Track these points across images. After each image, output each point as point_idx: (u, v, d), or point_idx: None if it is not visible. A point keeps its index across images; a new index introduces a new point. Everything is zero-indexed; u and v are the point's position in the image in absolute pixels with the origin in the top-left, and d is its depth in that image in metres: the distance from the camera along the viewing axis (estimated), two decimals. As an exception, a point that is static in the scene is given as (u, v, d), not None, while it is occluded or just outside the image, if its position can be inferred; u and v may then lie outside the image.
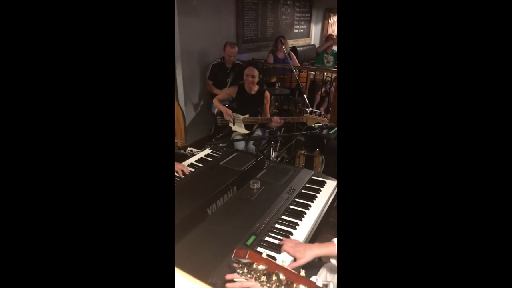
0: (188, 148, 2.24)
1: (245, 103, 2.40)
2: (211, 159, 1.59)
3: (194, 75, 2.96)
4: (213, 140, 2.62)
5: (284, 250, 0.93)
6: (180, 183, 1.32)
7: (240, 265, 0.66)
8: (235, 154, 1.60)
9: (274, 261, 0.64)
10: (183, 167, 1.41)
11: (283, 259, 0.94)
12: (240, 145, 2.33)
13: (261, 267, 0.61)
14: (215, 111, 2.63)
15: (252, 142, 1.61)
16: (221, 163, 1.50)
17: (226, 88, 2.77)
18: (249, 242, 0.97)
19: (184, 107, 2.94)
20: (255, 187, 1.25)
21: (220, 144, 2.56)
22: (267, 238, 1.01)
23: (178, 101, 2.91)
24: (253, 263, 0.63)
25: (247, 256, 0.64)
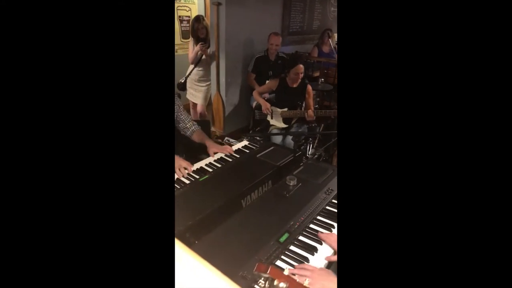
0: (226, 138, 2.26)
1: (284, 97, 2.35)
2: (248, 151, 1.58)
3: (236, 66, 2.97)
4: (250, 132, 2.63)
5: (325, 241, 0.95)
6: (216, 172, 1.33)
7: (261, 280, 0.65)
8: (272, 148, 1.58)
9: (295, 279, 0.62)
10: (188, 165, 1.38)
11: (323, 252, 0.94)
12: (278, 139, 2.30)
13: (282, 285, 0.60)
14: (254, 104, 2.62)
15: (291, 137, 1.57)
16: (257, 155, 1.49)
17: (267, 82, 2.74)
18: (282, 239, 0.95)
19: (225, 98, 2.97)
20: (291, 184, 1.22)
21: (257, 138, 2.57)
22: (301, 237, 0.98)
23: (219, 91, 2.94)
24: (274, 280, 0.62)
25: (268, 272, 0.63)
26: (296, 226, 1.01)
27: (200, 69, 2.86)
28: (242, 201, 1.16)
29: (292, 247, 0.93)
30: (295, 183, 1.22)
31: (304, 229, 1.01)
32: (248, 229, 0.98)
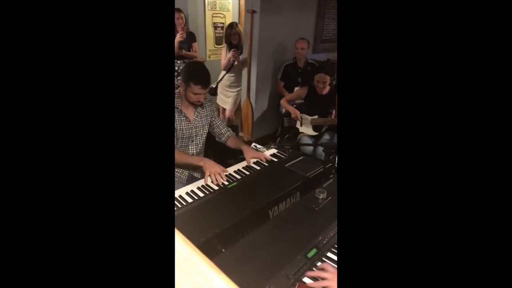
0: (253, 144, 2.27)
1: (314, 104, 2.32)
2: (276, 159, 1.57)
3: (267, 72, 2.98)
4: (278, 140, 2.61)
5: None
6: (244, 180, 1.34)
7: None
8: (301, 157, 1.55)
9: None
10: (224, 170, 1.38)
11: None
12: (307, 148, 2.27)
13: None
14: (283, 111, 2.61)
15: (322, 148, 1.53)
16: (286, 165, 1.47)
17: (296, 89, 2.72)
18: (309, 254, 0.92)
19: (254, 104, 2.99)
20: (320, 197, 1.19)
21: (286, 145, 2.55)
22: (329, 254, 0.95)
23: (249, 97, 2.96)
24: None
25: None
26: (325, 242, 0.98)
27: (231, 75, 2.91)
28: (270, 211, 1.15)
29: (320, 264, 0.91)
30: (325, 197, 1.19)
31: (333, 245, 0.98)
32: (275, 241, 0.96)
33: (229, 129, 1.70)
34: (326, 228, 1.03)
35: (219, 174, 1.33)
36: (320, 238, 0.99)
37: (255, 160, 1.53)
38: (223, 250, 0.94)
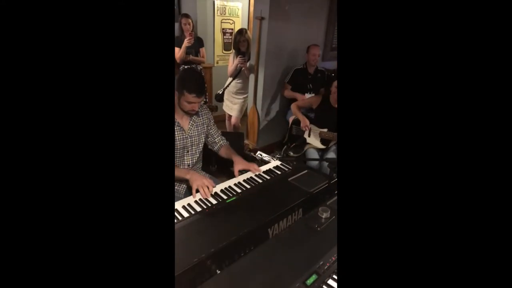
0: (258, 152, 2.21)
1: (326, 116, 2.25)
2: (279, 172, 1.51)
3: (275, 80, 2.93)
4: (285, 147, 2.56)
5: None
6: (244, 194, 1.28)
7: None
8: (305, 171, 1.49)
9: None
10: (209, 184, 1.30)
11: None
12: (313, 161, 2.20)
13: None
14: (291, 120, 2.55)
15: (327, 163, 1.47)
16: (289, 179, 1.41)
17: (309, 96, 2.66)
18: (309, 281, 0.86)
19: (261, 111, 2.94)
20: (323, 216, 1.12)
21: (291, 154, 2.48)
22: (330, 282, 0.88)
23: (256, 105, 2.92)
24: None
25: None
26: (326, 267, 0.92)
27: (238, 81, 2.87)
28: (269, 229, 1.09)
29: (320, 293, 0.84)
30: (328, 216, 1.13)
31: (334, 272, 0.91)
32: (272, 264, 0.91)
33: (223, 138, 1.65)
34: (328, 252, 0.97)
35: (207, 187, 1.26)
36: (321, 262, 0.93)
37: (249, 174, 1.47)
38: (217, 271, 0.89)
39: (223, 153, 1.61)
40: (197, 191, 1.27)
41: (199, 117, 1.52)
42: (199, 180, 1.29)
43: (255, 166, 1.49)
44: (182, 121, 1.46)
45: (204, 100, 2.57)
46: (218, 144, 1.62)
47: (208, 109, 1.60)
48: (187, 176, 1.33)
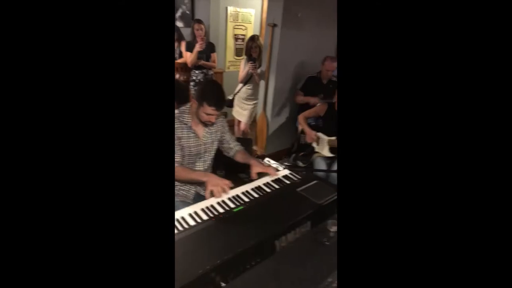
0: (266, 158, 2.19)
1: (333, 124, 2.22)
2: (288, 182, 1.48)
3: (285, 87, 2.92)
4: (293, 156, 2.53)
5: None
6: (252, 204, 1.26)
7: None
8: (315, 182, 1.46)
9: None
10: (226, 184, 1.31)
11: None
12: (322, 170, 2.17)
13: None
14: (300, 127, 2.53)
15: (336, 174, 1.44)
16: (298, 189, 1.38)
17: (315, 106, 2.64)
18: (316, 299, 0.83)
19: (270, 118, 2.93)
20: (332, 230, 1.09)
21: (300, 163, 2.45)
22: (338, 300, 0.85)
23: (265, 111, 2.91)
24: None
25: None
26: (334, 285, 0.88)
27: (249, 87, 2.87)
28: (276, 242, 1.06)
29: (327, 312, 0.81)
30: (336, 230, 1.09)
31: (343, 290, 0.88)
32: (278, 280, 0.88)
33: (237, 143, 1.64)
34: (336, 268, 0.94)
35: (222, 188, 1.27)
36: (330, 280, 0.89)
37: (265, 181, 1.46)
38: (222, 284, 0.86)
39: (240, 158, 1.60)
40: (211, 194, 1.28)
41: (214, 125, 1.52)
42: (215, 181, 1.30)
43: (273, 169, 1.49)
44: (197, 129, 1.46)
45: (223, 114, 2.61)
46: (234, 150, 1.62)
47: (223, 116, 1.60)
48: (205, 179, 1.33)
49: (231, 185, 1.33)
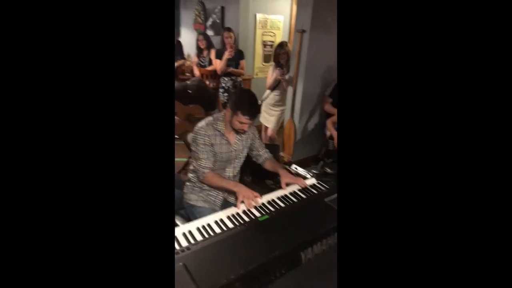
0: (293, 165, 2.16)
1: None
2: (315, 191, 1.45)
3: (313, 93, 2.88)
4: (321, 163, 2.48)
5: None
6: (278, 213, 1.25)
7: None
8: (343, 192, 1.42)
9: None
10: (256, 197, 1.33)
11: None
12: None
13: None
14: (328, 134, 2.48)
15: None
16: (325, 199, 1.35)
17: None
18: (343, 318, 0.79)
19: (298, 124, 2.90)
20: (361, 244, 1.04)
21: (327, 170, 2.40)
22: (367, 320, 0.80)
23: (293, 117, 2.89)
24: None
25: None
26: (363, 303, 0.84)
27: (276, 93, 2.87)
28: (302, 253, 1.04)
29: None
30: (367, 244, 1.04)
31: (372, 309, 0.83)
32: (304, 294, 0.85)
33: (267, 151, 1.64)
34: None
35: (252, 200, 1.29)
36: (358, 297, 0.85)
37: (291, 190, 1.43)
38: (246, 294, 0.86)
39: (269, 166, 1.61)
40: (242, 202, 1.29)
41: (245, 132, 1.54)
42: (245, 192, 1.31)
43: (302, 180, 1.48)
44: (229, 136, 1.48)
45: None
46: (263, 157, 1.63)
47: (253, 123, 1.61)
48: (235, 189, 1.35)
49: (261, 197, 1.34)
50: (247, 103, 1.37)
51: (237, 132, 1.47)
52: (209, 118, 1.47)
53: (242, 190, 1.33)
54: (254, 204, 1.28)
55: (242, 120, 1.36)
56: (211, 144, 1.43)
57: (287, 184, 1.46)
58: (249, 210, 1.27)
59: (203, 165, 1.41)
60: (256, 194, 1.32)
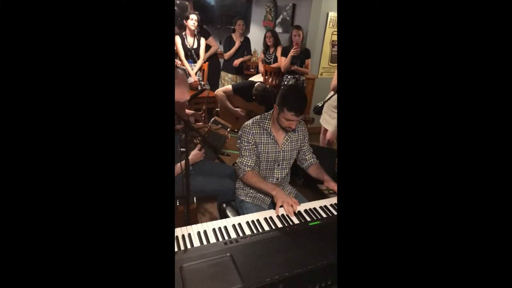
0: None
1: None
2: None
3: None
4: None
5: None
6: (329, 221, 1.20)
7: None
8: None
9: None
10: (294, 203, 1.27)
11: None
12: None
13: None
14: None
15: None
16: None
17: None
18: None
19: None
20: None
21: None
22: None
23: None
24: None
25: None
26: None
27: (340, 96, 2.75)
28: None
29: None
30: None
31: None
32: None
33: (313, 156, 1.59)
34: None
35: (291, 206, 1.24)
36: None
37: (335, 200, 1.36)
38: (288, 297, 0.85)
39: (313, 172, 1.56)
40: (281, 206, 1.27)
41: (295, 132, 1.51)
42: (283, 197, 1.28)
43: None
44: (277, 135, 1.46)
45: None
46: (308, 162, 1.58)
47: (304, 125, 1.57)
48: (273, 193, 1.33)
49: (298, 205, 1.29)
50: (293, 99, 1.32)
51: (285, 131, 1.44)
52: (257, 117, 1.47)
53: (280, 195, 1.29)
54: (294, 210, 1.24)
55: (288, 116, 1.32)
56: (256, 143, 1.42)
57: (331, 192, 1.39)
58: (299, 213, 1.25)
59: (245, 163, 1.41)
60: (294, 200, 1.27)
